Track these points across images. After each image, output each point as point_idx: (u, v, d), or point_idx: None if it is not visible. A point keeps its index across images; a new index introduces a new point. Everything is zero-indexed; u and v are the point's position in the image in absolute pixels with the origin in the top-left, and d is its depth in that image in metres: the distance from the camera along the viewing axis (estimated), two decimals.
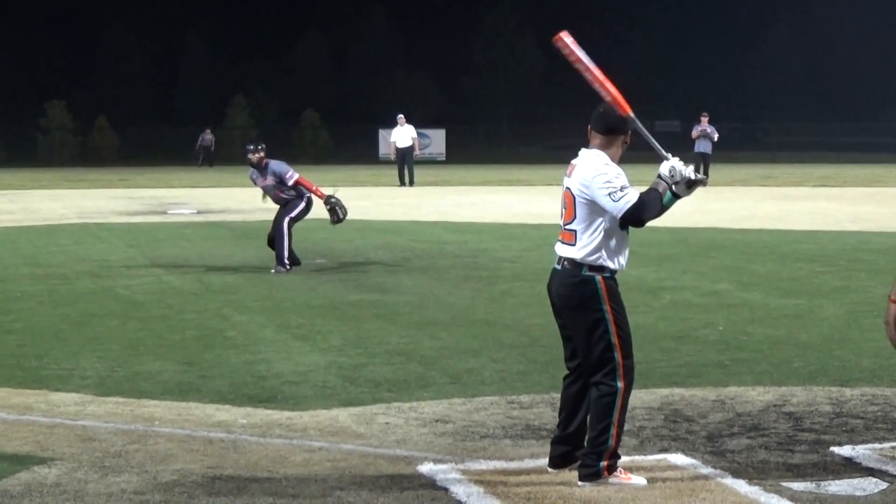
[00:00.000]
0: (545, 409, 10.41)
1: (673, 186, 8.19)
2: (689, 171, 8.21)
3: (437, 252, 23.92)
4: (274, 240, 20.84)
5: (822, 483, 8.24)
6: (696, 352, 13.22)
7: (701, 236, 26.82)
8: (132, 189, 51.06)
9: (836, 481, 8.28)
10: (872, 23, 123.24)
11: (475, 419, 10.15)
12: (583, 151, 8.43)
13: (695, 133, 51.15)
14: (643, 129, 8.54)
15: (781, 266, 21.29)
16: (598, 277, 8.25)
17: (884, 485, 8.21)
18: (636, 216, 8.11)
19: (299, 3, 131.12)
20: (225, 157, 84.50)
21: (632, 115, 8.55)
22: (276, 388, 11.39)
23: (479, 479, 8.32)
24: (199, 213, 36.52)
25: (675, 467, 8.70)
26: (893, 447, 9.15)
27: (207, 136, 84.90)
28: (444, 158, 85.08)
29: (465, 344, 13.68)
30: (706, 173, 49.13)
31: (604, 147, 8.37)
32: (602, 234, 8.23)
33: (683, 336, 14.18)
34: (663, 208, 8.21)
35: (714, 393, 11.07)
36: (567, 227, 8.37)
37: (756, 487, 8.14)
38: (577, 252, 8.29)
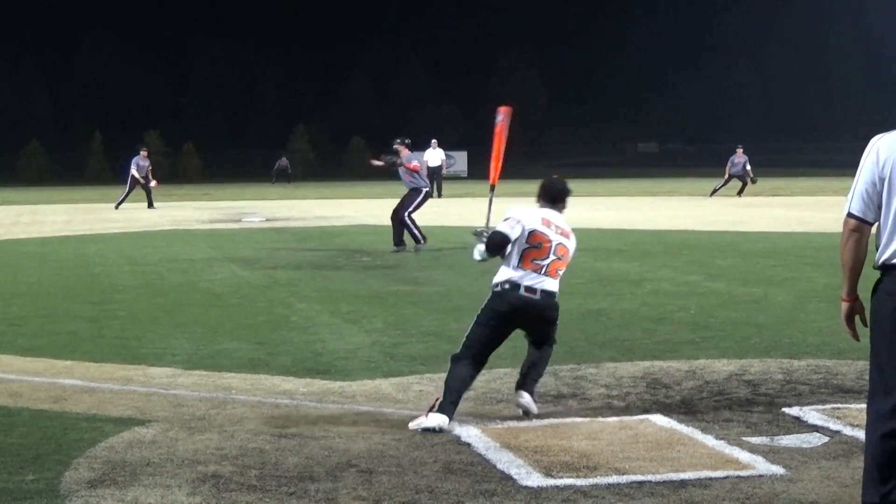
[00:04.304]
0: (548, 378, 10.39)
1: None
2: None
3: (461, 251, 23.87)
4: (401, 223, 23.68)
5: (775, 437, 8.23)
6: (672, 331, 13.19)
7: (676, 237, 26.79)
8: (213, 201, 51.14)
9: (787, 436, 8.27)
10: (815, 60, 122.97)
11: (492, 387, 10.15)
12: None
13: (733, 169, 50.08)
14: (490, 199, 10.45)
15: (742, 261, 21.24)
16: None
17: (826, 438, 8.19)
18: None
19: (347, 48, 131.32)
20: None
21: (495, 185, 9.33)
22: (330, 363, 11.40)
23: (496, 436, 8.34)
24: (267, 220, 36.53)
25: (655, 425, 8.69)
26: (834, 408, 9.13)
27: (283, 161, 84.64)
28: (466, 175, 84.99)
29: None
30: (741, 189, 48.31)
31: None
32: None
33: (662, 318, 14.16)
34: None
35: (687, 365, 11.05)
36: (559, 270, 9.10)
37: (721, 441, 8.13)
38: (556, 287, 9.10)
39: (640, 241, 25.55)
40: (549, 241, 9.04)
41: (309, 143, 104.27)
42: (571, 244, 9.25)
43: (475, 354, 9.08)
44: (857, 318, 6.20)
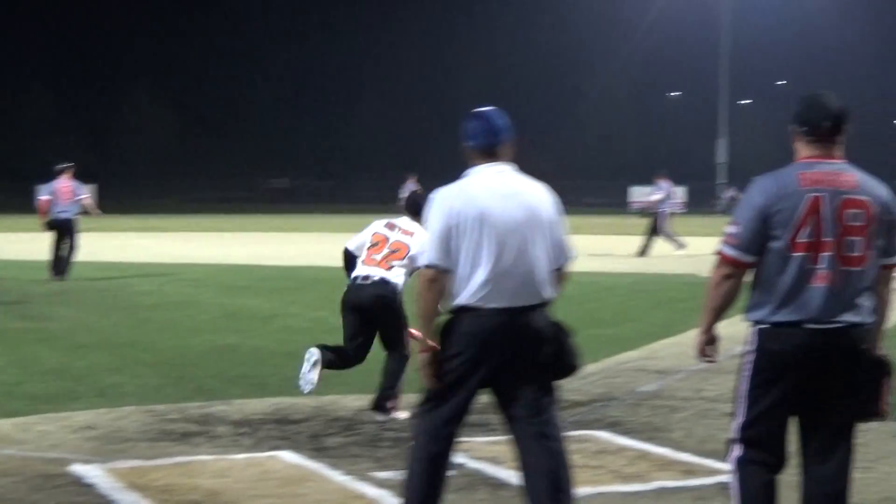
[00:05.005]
0: (177, 416, 10.28)
1: None
2: None
3: (89, 286, 23.30)
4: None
5: (402, 472, 8.32)
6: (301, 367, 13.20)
7: (305, 273, 26.87)
8: None
9: None
10: (442, 95, 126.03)
11: (118, 426, 9.93)
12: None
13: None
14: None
15: None
16: (399, 294, 10.34)
17: (450, 472, 8.36)
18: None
19: None
20: None
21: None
22: None
23: (121, 476, 8.14)
24: None
25: (283, 462, 8.69)
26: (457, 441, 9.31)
27: None
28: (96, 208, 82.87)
29: (110, 363, 13.36)
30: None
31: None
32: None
33: (291, 354, 14.11)
34: None
35: (316, 401, 11.08)
36: (391, 262, 10.29)
37: (349, 476, 8.20)
38: (392, 278, 10.23)
39: (270, 276, 25.57)
40: (387, 239, 10.41)
41: None
42: (413, 241, 10.25)
43: (349, 349, 10.52)
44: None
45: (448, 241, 6.32)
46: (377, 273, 10.25)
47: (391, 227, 10.52)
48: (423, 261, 6.42)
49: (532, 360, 6.39)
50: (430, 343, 6.41)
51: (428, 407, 6.51)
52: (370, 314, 10.36)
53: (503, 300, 6.30)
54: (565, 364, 6.54)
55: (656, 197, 33.52)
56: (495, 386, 6.46)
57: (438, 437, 6.47)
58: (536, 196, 6.52)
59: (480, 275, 6.28)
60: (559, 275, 6.57)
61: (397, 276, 10.28)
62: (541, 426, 6.42)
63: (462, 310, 6.36)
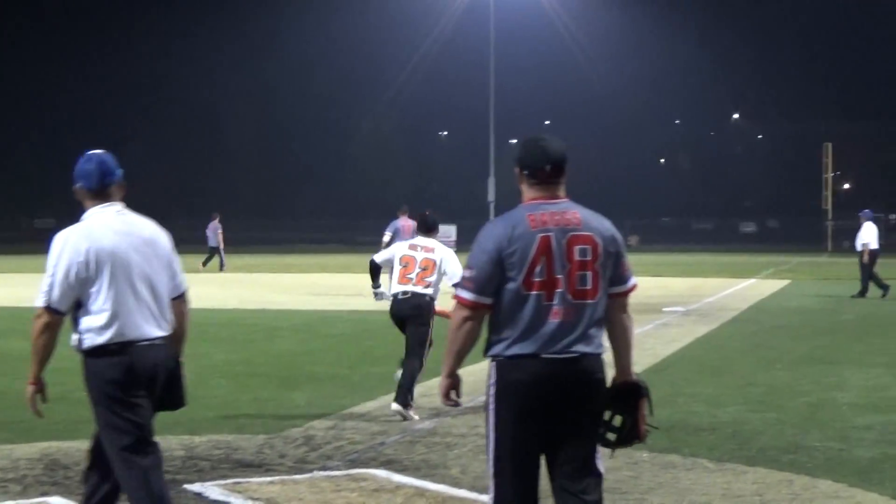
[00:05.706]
0: None
1: None
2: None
3: None
4: None
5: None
6: (71, 410, 12.91)
7: None
8: None
9: None
10: (202, 132, 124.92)
11: None
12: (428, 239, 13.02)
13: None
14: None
15: None
16: (434, 303, 12.69)
17: None
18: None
19: None
20: None
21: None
22: None
23: None
24: None
25: None
26: (235, 482, 9.27)
27: None
28: None
29: None
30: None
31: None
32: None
33: (61, 398, 13.70)
34: None
35: (87, 445, 10.85)
36: (426, 279, 12.56)
37: None
38: (426, 291, 12.56)
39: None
40: (414, 259, 12.63)
41: None
42: (436, 255, 12.64)
43: (406, 350, 12.66)
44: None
45: (73, 284, 6.57)
46: (416, 289, 12.54)
47: (413, 248, 12.80)
48: (40, 302, 6.61)
49: (156, 390, 6.82)
50: (37, 379, 7.05)
51: (114, 435, 6.90)
52: (406, 322, 12.61)
53: (134, 333, 6.63)
54: (176, 397, 7.02)
55: (386, 238, 32.49)
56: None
57: (140, 452, 6.79)
58: (153, 232, 6.91)
59: (114, 311, 6.60)
60: (178, 305, 6.99)
61: (432, 288, 12.59)
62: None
63: (103, 349, 6.72)
